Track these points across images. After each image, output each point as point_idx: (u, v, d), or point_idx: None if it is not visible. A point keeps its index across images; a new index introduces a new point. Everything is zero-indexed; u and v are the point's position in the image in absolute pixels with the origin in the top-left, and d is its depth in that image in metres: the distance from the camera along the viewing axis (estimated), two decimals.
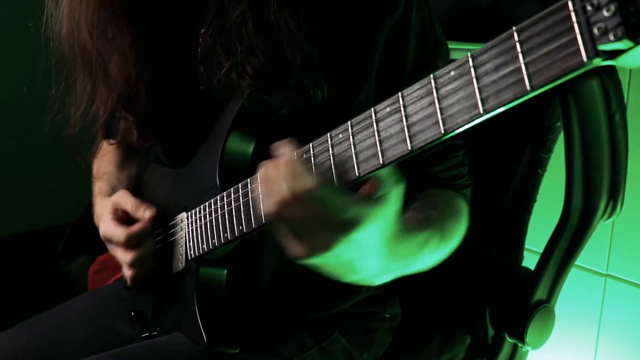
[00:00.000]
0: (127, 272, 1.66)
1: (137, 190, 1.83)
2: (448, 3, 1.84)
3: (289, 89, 1.40)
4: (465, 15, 1.82)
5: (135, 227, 1.61)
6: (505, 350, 1.81)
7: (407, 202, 1.39)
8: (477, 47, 1.69)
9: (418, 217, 1.32)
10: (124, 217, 1.65)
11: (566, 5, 0.75)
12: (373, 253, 1.13)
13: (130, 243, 1.61)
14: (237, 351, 1.49)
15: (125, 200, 1.66)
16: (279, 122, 1.45)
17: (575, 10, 0.74)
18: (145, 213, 1.62)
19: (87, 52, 1.57)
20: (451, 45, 1.61)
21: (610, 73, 1.63)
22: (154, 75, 1.56)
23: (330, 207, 1.04)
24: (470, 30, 1.77)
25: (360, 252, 1.11)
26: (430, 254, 1.32)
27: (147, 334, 1.68)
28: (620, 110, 1.65)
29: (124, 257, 1.63)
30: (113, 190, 1.78)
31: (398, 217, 1.12)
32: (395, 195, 1.08)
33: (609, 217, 1.71)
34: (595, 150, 1.64)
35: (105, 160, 1.88)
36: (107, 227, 1.64)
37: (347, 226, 1.04)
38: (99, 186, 1.81)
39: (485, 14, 1.77)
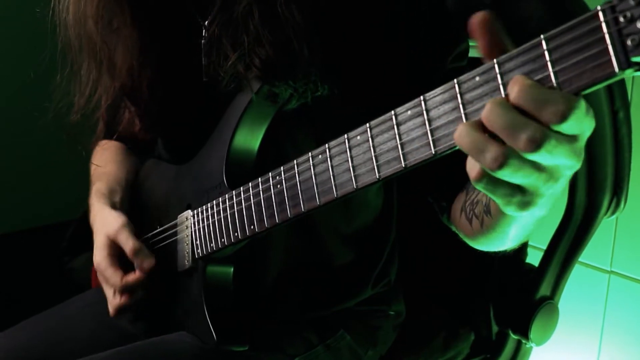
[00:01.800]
0: (112, 310, 1.62)
1: (137, 186, 1.83)
2: (452, 1, 1.83)
3: (297, 81, 1.40)
4: (469, 13, 1.82)
5: (131, 278, 1.57)
6: (509, 346, 1.82)
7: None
8: None
9: None
10: (120, 255, 1.61)
11: (596, 15, 0.75)
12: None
13: (124, 291, 1.58)
14: (245, 349, 1.49)
15: (123, 239, 1.59)
16: (286, 116, 1.45)
17: (606, 22, 0.74)
18: (144, 263, 1.56)
19: (92, 41, 1.56)
20: None
21: None
22: (156, 67, 1.55)
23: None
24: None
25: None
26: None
27: (152, 332, 1.67)
28: (624, 107, 1.65)
29: (113, 300, 1.60)
30: (110, 192, 1.74)
31: None
32: None
33: (613, 213, 1.71)
34: (599, 147, 1.65)
35: (103, 160, 1.86)
36: (103, 263, 1.60)
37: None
38: (97, 187, 1.77)
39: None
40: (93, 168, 1.86)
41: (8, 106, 3.22)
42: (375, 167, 1.05)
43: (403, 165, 1.01)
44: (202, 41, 1.49)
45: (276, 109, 1.44)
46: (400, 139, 1.01)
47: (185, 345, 1.52)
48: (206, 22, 1.48)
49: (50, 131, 1.55)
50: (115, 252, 1.60)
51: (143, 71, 1.55)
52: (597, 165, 1.66)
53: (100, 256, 1.61)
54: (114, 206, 1.70)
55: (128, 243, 1.58)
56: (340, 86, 1.41)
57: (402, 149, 1.01)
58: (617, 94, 1.65)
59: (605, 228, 2.01)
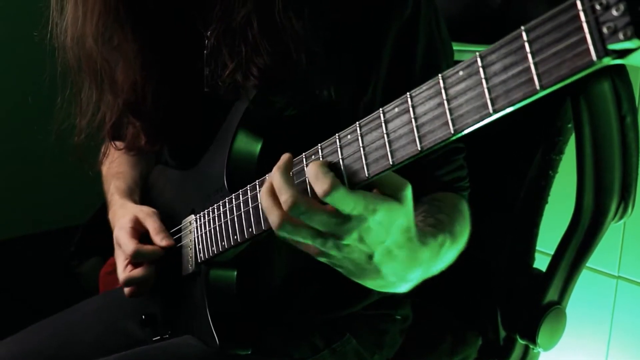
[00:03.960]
0: (121, 281, 1.64)
1: (145, 191, 1.84)
2: (459, 5, 1.84)
3: (294, 89, 1.40)
4: (476, 17, 1.82)
5: (148, 248, 1.59)
6: (517, 351, 1.81)
7: (414, 206, 1.41)
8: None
9: (429, 222, 1.31)
10: (141, 234, 1.64)
11: (574, 4, 0.75)
12: (394, 255, 1.13)
13: (134, 259, 1.60)
14: (249, 352, 1.49)
15: (150, 221, 1.63)
16: (286, 122, 1.45)
17: (584, 10, 0.74)
18: (162, 241, 1.59)
19: (92, 60, 1.57)
20: (462, 47, 1.61)
21: (621, 74, 1.63)
22: (160, 79, 1.57)
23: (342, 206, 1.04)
24: (481, 32, 1.77)
25: (381, 252, 1.11)
26: (443, 257, 1.31)
27: (159, 337, 1.68)
28: (632, 111, 1.65)
29: (123, 272, 1.62)
30: (129, 190, 1.78)
31: (413, 219, 1.12)
32: (408, 193, 1.08)
33: (620, 218, 1.70)
34: (606, 152, 1.64)
35: (116, 160, 1.88)
36: (122, 234, 1.63)
37: (364, 214, 1.04)
38: (116, 185, 1.80)
39: (496, 16, 1.77)
40: (106, 168, 1.88)
41: (18, 111, 3.24)
42: (365, 166, 1.05)
43: (391, 163, 1.01)
44: (205, 52, 1.50)
45: (274, 115, 1.45)
46: (388, 137, 1.01)
47: (191, 349, 1.53)
48: (208, 33, 1.49)
49: (58, 138, 1.57)
50: (138, 229, 1.63)
51: (147, 85, 1.56)
52: (604, 170, 1.65)
53: (121, 230, 1.64)
54: (134, 202, 1.74)
55: (152, 225, 1.62)
56: (339, 92, 1.42)
57: (390, 147, 1.01)
58: (625, 99, 1.64)
59: (613, 233, 2.00)
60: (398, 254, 1.12)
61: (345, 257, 1.12)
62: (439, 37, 1.49)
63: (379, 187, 1.07)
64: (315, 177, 1.05)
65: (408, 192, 1.08)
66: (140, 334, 1.73)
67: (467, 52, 1.71)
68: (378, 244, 1.09)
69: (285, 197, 1.07)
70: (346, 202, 1.03)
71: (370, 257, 1.11)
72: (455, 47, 1.57)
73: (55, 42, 1.57)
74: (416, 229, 1.15)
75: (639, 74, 2.18)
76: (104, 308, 1.82)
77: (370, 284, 1.18)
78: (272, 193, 1.11)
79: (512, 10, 1.75)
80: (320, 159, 1.14)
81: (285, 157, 1.13)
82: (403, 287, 1.22)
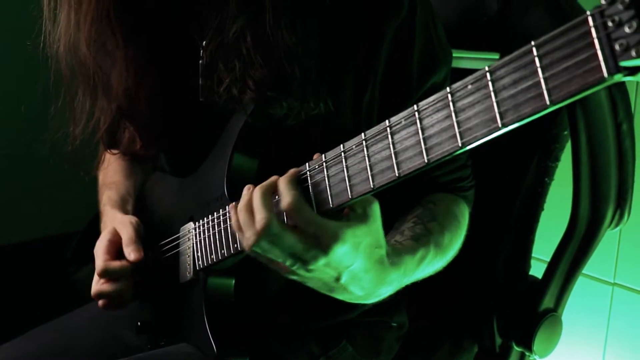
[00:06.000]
0: (92, 294, 1.63)
1: (142, 199, 1.83)
2: (456, 11, 1.84)
3: (291, 101, 1.41)
4: (473, 23, 1.82)
5: (114, 264, 1.59)
6: (513, 358, 1.81)
7: (407, 209, 1.47)
8: (485, 55, 1.70)
9: (416, 231, 1.38)
10: (118, 245, 1.63)
11: (586, 21, 0.75)
12: (360, 278, 1.19)
13: (102, 277, 1.59)
14: None
15: (124, 231, 1.62)
16: (285, 131, 1.45)
17: (595, 26, 0.74)
18: (130, 254, 1.58)
19: (86, 66, 1.56)
20: (460, 54, 1.61)
21: (617, 82, 1.63)
22: (153, 86, 1.56)
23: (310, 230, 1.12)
24: (479, 38, 1.77)
25: (348, 275, 1.17)
26: (424, 269, 1.37)
27: (154, 344, 1.67)
28: (628, 119, 1.65)
29: (94, 285, 1.61)
30: (122, 200, 1.77)
31: (382, 237, 1.18)
32: (375, 211, 1.15)
33: (616, 225, 1.71)
34: (603, 159, 1.65)
35: (111, 170, 1.87)
36: (98, 247, 1.63)
37: (329, 243, 1.11)
38: (108, 195, 1.79)
39: (493, 23, 1.77)
40: (101, 178, 1.87)
41: (18, 117, 3.24)
42: (370, 177, 1.05)
43: (397, 175, 1.01)
44: (200, 62, 1.50)
45: (272, 126, 1.45)
46: (394, 148, 1.01)
47: (188, 357, 1.52)
48: (204, 44, 1.49)
49: (53, 147, 1.57)
50: (115, 242, 1.62)
51: (140, 91, 1.55)
52: (600, 177, 1.65)
53: (99, 243, 1.63)
54: (126, 213, 1.73)
55: (126, 234, 1.61)
56: (337, 99, 1.43)
57: (396, 158, 1.01)
58: (621, 106, 1.65)
59: (609, 240, 2.00)
60: (364, 276, 1.18)
61: (313, 277, 1.19)
62: (436, 37, 1.50)
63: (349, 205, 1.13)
64: (283, 189, 1.15)
65: (375, 210, 1.14)
66: (137, 341, 1.73)
67: (465, 59, 1.72)
68: (344, 268, 1.15)
69: (259, 216, 1.15)
70: (309, 223, 1.12)
71: (337, 279, 1.17)
72: (453, 53, 1.57)
73: (49, 50, 1.56)
74: (388, 247, 1.22)
75: (635, 82, 2.19)
76: (101, 315, 1.80)
77: (340, 297, 1.25)
78: (249, 209, 1.18)
79: (510, 17, 1.75)
80: (325, 169, 1.14)
81: (272, 178, 1.20)
82: (372, 300, 1.28)
